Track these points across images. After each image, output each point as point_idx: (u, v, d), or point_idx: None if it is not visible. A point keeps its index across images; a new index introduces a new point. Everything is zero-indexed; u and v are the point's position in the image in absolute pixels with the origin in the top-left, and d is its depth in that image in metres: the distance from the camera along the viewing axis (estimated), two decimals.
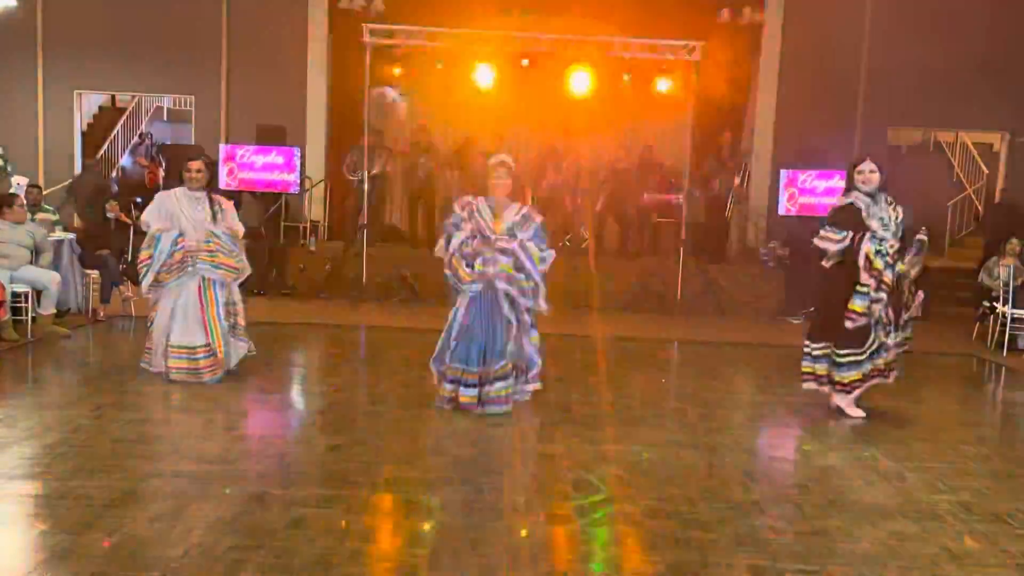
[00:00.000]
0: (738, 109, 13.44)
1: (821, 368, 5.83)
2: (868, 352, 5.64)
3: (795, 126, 12.92)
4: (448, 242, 5.59)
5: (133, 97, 15.51)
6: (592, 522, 3.89)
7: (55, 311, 7.72)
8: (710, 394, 6.63)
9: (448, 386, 5.58)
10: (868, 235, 5.52)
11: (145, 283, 6.05)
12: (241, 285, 6.42)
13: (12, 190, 9.09)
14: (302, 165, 11.63)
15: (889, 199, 5.68)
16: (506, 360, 5.49)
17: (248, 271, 6.32)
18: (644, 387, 6.78)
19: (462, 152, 12.46)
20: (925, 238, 5.72)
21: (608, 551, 3.60)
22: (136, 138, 15.95)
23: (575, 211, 12.42)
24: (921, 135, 16.54)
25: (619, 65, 11.26)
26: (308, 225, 12.26)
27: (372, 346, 8.25)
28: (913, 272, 5.64)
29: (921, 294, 5.77)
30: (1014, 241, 9.29)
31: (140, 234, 8.64)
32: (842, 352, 5.69)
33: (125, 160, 15.90)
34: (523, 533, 3.68)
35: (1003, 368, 8.31)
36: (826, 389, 5.86)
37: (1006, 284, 8.81)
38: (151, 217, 6.12)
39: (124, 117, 15.70)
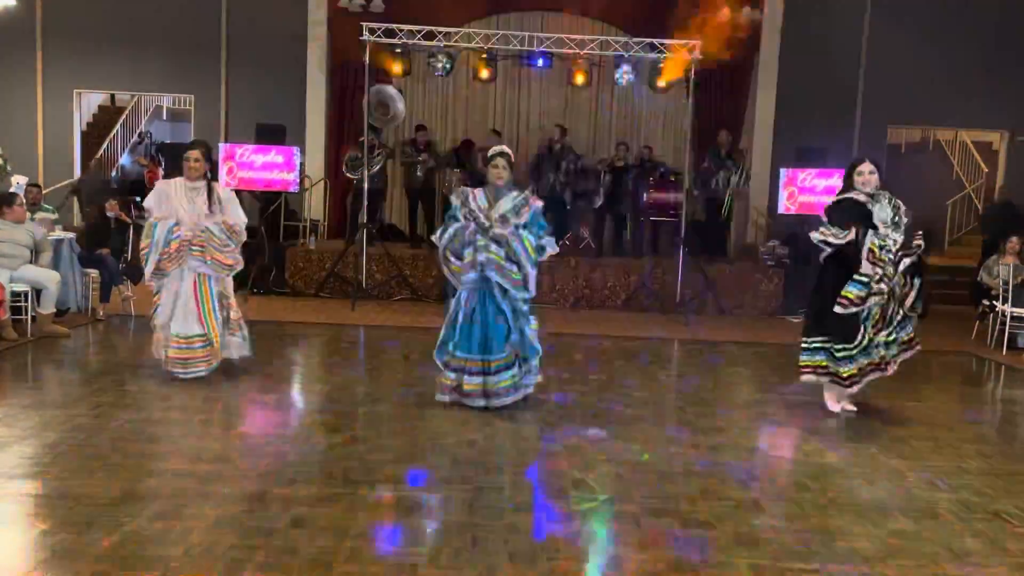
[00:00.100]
0: (738, 108, 13.45)
1: (820, 359, 5.83)
2: (858, 348, 5.66)
3: (794, 125, 12.94)
4: (443, 234, 5.62)
5: (132, 96, 15.52)
6: (592, 521, 3.89)
7: (55, 310, 7.72)
8: (710, 393, 6.64)
9: (452, 375, 5.60)
10: (871, 232, 5.52)
11: (147, 271, 6.10)
12: (240, 284, 6.43)
13: (12, 189, 9.08)
14: (301, 164, 11.63)
15: (891, 197, 5.67)
16: (507, 351, 5.51)
17: (240, 266, 6.32)
18: (644, 386, 6.78)
19: (461, 151, 12.47)
20: (922, 243, 5.72)
21: (608, 550, 3.60)
22: (135, 137, 15.96)
23: (574, 210, 12.43)
24: (920, 134, 16.57)
25: (619, 64, 11.24)
26: (307, 224, 12.26)
27: (371, 345, 8.25)
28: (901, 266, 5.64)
29: (916, 282, 5.74)
30: (1014, 239, 9.30)
31: (140, 233, 8.70)
32: (838, 346, 5.70)
33: (124, 159, 15.91)
34: (523, 532, 3.68)
35: (1003, 367, 8.31)
36: (825, 380, 5.87)
37: (1006, 282, 8.82)
38: (151, 204, 6.18)
39: (123, 116, 15.71)
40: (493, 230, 5.46)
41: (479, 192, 5.64)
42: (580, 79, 12.25)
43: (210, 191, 6.16)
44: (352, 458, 4.57)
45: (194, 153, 6.14)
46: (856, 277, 5.55)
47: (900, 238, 5.54)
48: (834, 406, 5.92)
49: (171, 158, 12.26)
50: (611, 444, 5.03)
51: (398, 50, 11.06)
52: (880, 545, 3.69)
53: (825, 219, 5.71)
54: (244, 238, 6.33)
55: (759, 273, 11.16)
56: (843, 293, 5.57)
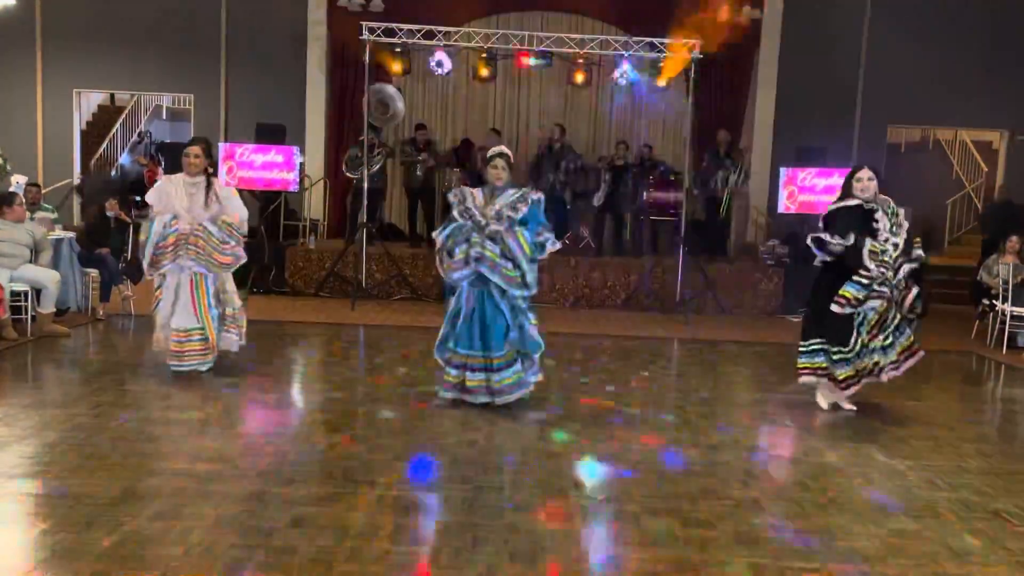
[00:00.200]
0: (737, 107, 13.45)
1: (820, 361, 5.85)
2: (853, 352, 5.68)
3: (794, 124, 12.94)
4: (442, 231, 5.63)
5: (132, 96, 15.51)
6: (592, 520, 3.89)
7: (55, 310, 7.72)
8: (710, 392, 6.64)
9: (454, 371, 5.60)
10: (868, 239, 5.53)
11: (144, 264, 6.19)
12: (240, 283, 6.45)
13: (11, 189, 9.08)
14: (301, 164, 11.63)
15: (890, 205, 5.68)
16: (506, 349, 5.50)
17: (241, 261, 6.32)
18: (644, 385, 6.78)
19: (461, 150, 12.47)
20: (921, 253, 5.73)
21: (609, 550, 3.60)
22: (135, 137, 15.95)
23: (574, 210, 12.43)
24: (920, 133, 16.56)
25: (618, 63, 11.24)
26: (307, 224, 12.25)
27: (371, 344, 8.25)
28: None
29: (915, 290, 5.75)
30: (1014, 239, 9.30)
31: (139, 233, 8.71)
32: (834, 349, 5.73)
33: (124, 159, 15.91)
34: (523, 532, 3.68)
35: (1002, 366, 8.32)
36: (824, 380, 5.89)
37: (1005, 282, 8.82)
38: (152, 199, 6.22)
39: (123, 116, 15.70)
40: (489, 227, 5.46)
41: (477, 192, 5.65)
42: (580, 78, 12.24)
43: (208, 187, 6.16)
44: (352, 458, 4.57)
45: (194, 149, 6.17)
46: (855, 278, 5.55)
47: (899, 242, 5.55)
48: (824, 403, 5.96)
49: (171, 157, 12.27)
50: (611, 443, 5.03)
51: (398, 49, 11.06)
52: (880, 544, 3.69)
53: (822, 225, 5.74)
54: (246, 230, 6.33)
55: (759, 272, 11.16)
56: (841, 292, 5.58)
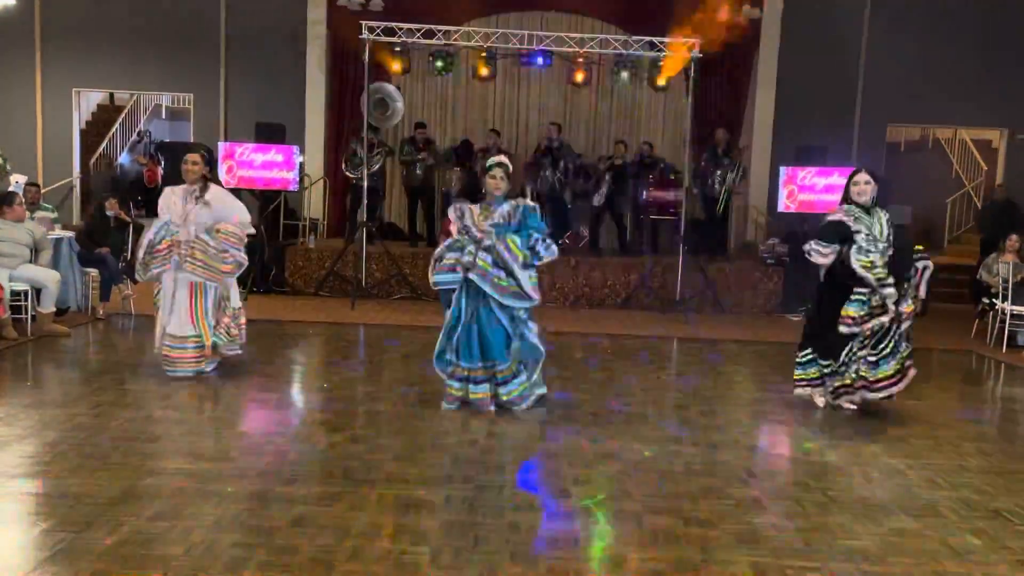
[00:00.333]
0: (737, 106, 13.45)
1: (812, 371, 5.93)
2: (842, 364, 5.73)
3: (794, 123, 12.94)
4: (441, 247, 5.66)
5: (132, 95, 15.50)
6: (593, 519, 3.89)
7: (55, 310, 7.72)
8: (710, 391, 6.64)
9: (457, 384, 5.58)
10: (853, 248, 5.57)
11: (136, 267, 6.26)
12: (240, 283, 6.45)
13: (11, 188, 9.08)
14: (301, 163, 11.63)
15: (884, 214, 5.70)
16: (509, 361, 5.49)
17: (244, 266, 6.32)
18: (644, 384, 6.78)
19: (460, 151, 12.47)
20: (929, 264, 5.73)
21: (609, 548, 3.60)
22: (135, 136, 15.94)
23: (574, 209, 12.43)
24: (920, 132, 16.57)
25: (618, 62, 11.25)
26: (307, 223, 12.25)
27: (371, 344, 8.25)
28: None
29: (929, 265, 5.74)
30: (1013, 237, 9.31)
31: (139, 232, 8.72)
32: (824, 362, 5.83)
33: (123, 158, 15.90)
34: (524, 531, 3.68)
35: (1003, 364, 8.32)
36: (818, 392, 5.97)
37: (1005, 280, 8.82)
38: (159, 207, 6.25)
39: (123, 115, 15.69)
40: (484, 242, 5.44)
41: (475, 207, 5.64)
42: (579, 78, 12.25)
43: (201, 193, 6.13)
44: (353, 457, 4.57)
45: (192, 156, 6.16)
46: (854, 297, 5.59)
47: (885, 257, 5.55)
48: (820, 401, 5.99)
49: (170, 157, 12.27)
50: (611, 443, 5.03)
51: (397, 48, 11.06)
52: (881, 543, 3.70)
53: (818, 235, 5.81)
54: (243, 233, 6.27)
55: (759, 271, 11.16)
56: (843, 312, 5.60)
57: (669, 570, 3.37)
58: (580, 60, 11.76)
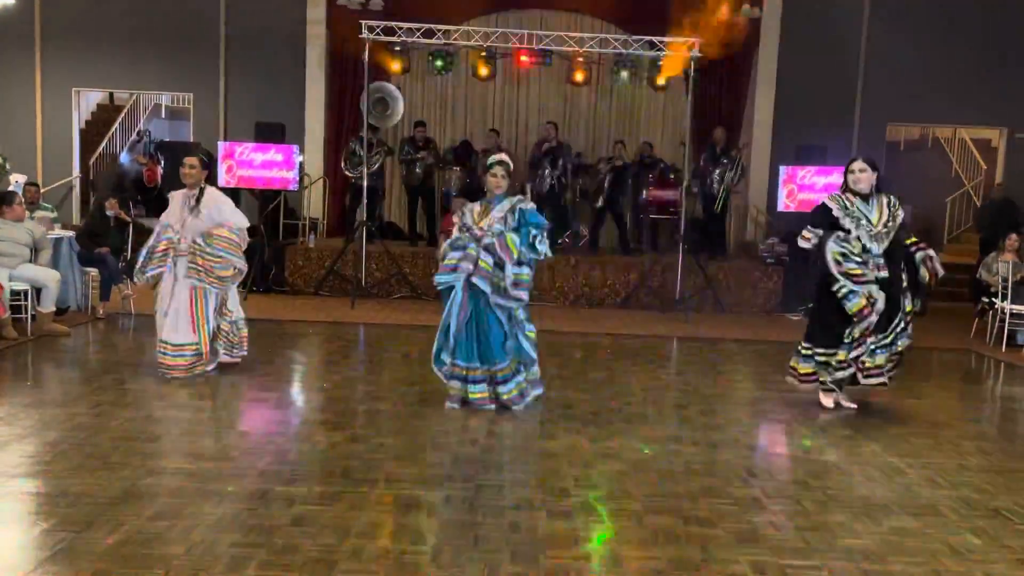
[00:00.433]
0: (737, 105, 13.45)
1: (807, 367, 5.94)
2: (847, 344, 5.69)
3: (794, 122, 12.94)
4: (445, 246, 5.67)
5: (131, 95, 15.49)
6: (593, 518, 3.89)
7: (55, 309, 7.72)
8: (710, 390, 6.64)
9: (456, 383, 5.59)
10: (832, 236, 5.59)
11: (135, 270, 6.28)
12: (242, 285, 6.46)
13: (10, 188, 9.08)
14: (301, 162, 11.62)
15: (889, 199, 5.69)
16: (508, 360, 5.50)
17: (243, 272, 6.32)
18: (644, 383, 6.78)
19: (460, 150, 12.47)
20: (930, 253, 5.72)
21: (609, 547, 3.60)
22: (134, 136, 15.93)
23: (573, 208, 12.43)
24: (920, 131, 16.57)
25: (617, 61, 11.25)
26: (307, 222, 12.25)
27: (371, 343, 8.26)
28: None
29: (931, 254, 5.73)
30: (1013, 236, 9.31)
31: (138, 232, 8.73)
32: (819, 350, 5.83)
33: (123, 158, 15.89)
34: (524, 530, 3.68)
35: (1002, 364, 8.32)
36: (810, 387, 5.97)
37: (1005, 280, 8.82)
38: (164, 214, 6.32)
39: (122, 115, 15.68)
40: (484, 240, 5.46)
41: (476, 205, 5.67)
42: (579, 77, 12.25)
43: (199, 198, 6.15)
44: (353, 456, 4.58)
45: (189, 160, 6.21)
46: (836, 292, 5.59)
47: (875, 244, 5.56)
48: (827, 401, 5.96)
49: (170, 156, 12.27)
50: (611, 442, 5.04)
51: (397, 48, 11.06)
52: (881, 542, 3.70)
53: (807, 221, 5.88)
54: (240, 239, 6.28)
55: (758, 271, 11.16)
56: (849, 312, 5.59)
57: (669, 569, 3.37)
58: (580, 60, 11.76)
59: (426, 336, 5.80)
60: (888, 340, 5.66)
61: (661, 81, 11.80)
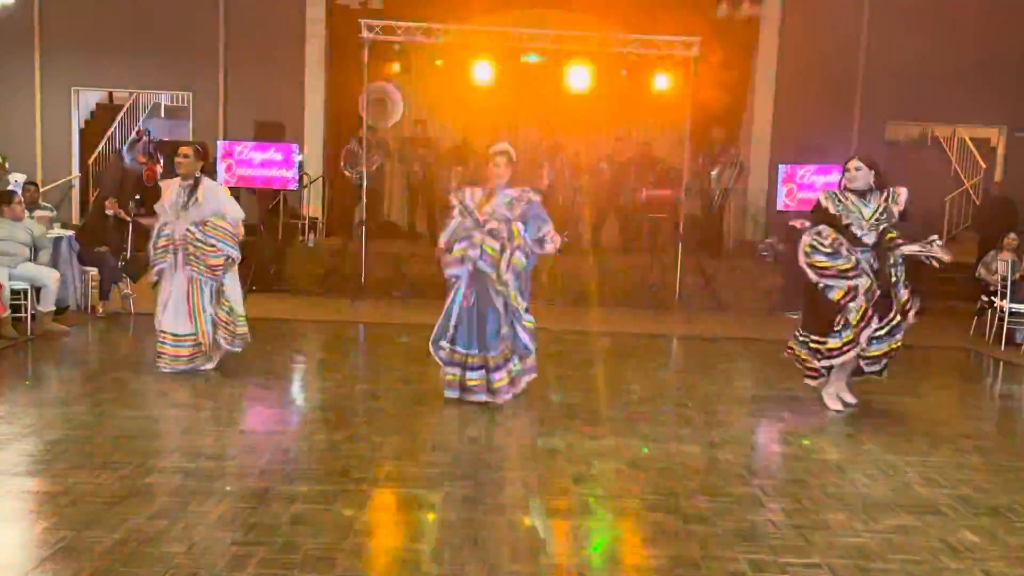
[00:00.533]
0: (736, 104, 13.44)
1: (802, 350, 5.99)
2: (836, 331, 5.72)
3: (793, 121, 12.93)
4: (444, 232, 5.65)
5: (131, 94, 15.48)
6: (592, 516, 3.90)
7: (54, 308, 7.72)
8: (709, 389, 6.65)
9: (454, 370, 5.61)
10: (812, 229, 5.75)
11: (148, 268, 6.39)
12: (242, 284, 6.48)
13: (10, 187, 9.08)
14: (300, 161, 11.62)
15: (886, 194, 5.72)
16: (501, 347, 5.51)
17: (234, 260, 6.28)
18: (643, 382, 6.79)
19: (460, 148, 12.47)
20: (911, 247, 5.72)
21: (609, 545, 3.61)
22: (134, 135, 15.92)
23: (573, 207, 12.42)
24: (919, 130, 16.56)
25: (617, 60, 11.25)
26: (307, 221, 12.24)
27: (371, 342, 8.26)
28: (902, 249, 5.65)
29: (917, 302, 5.82)
30: (1012, 235, 9.32)
31: (138, 231, 8.73)
32: (812, 337, 5.88)
33: (126, 156, 15.85)
34: (524, 529, 3.69)
35: (1001, 362, 8.33)
36: (829, 396, 5.98)
37: (1004, 278, 8.83)
38: (156, 206, 6.34)
39: (121, 114, 15.67)
40: (487, 225, 5.47)
41: (477, 189, 5.65)
42: (579, 75, 12.23)
43: (194, 188, 6.16)
44: (353, 455, 4.58)
45: (183, 149, 6.26)
46: (820, 286, 5.71)
47: (867, 236, 5.60)
48: (834, 404, 5.95)
49: (169, 156, 12.25)
50: (611, 440, 5.04)
51: (396, 47, 11.06)
52: (880, 540, 3.71)
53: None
54: (235, 229, 6.25)
55: (758, 269, 11.16)
56: (832, 300, 5.66)
57: (668, 567, 3.38)
58: (579, 59, 11.74)
59: (427, 335, 5.80)
60: (885, 331, 5.69)
61: (661, 80, 11.79)
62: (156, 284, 6.32)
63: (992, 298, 9.11)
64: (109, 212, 8.92)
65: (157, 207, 6.28)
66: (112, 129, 15.35)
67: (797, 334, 6.04)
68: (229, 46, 13.38)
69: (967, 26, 13.17)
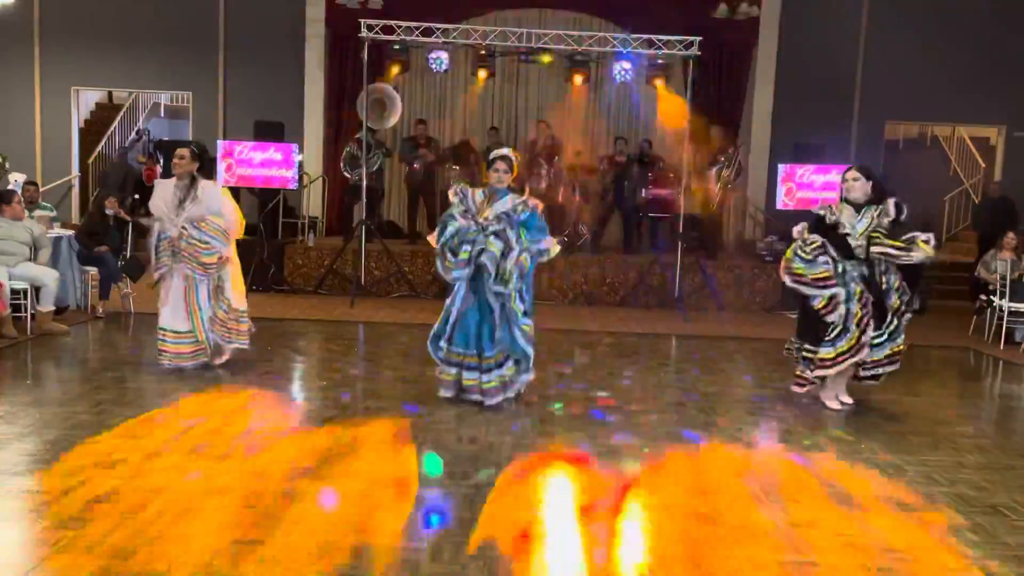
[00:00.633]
0: (736, 103, 13.45)
1: (797, 358, 6.08)
2: (829, 340, 5.75)
3: (792, 120, 12.95)
4: (442, 232, 5.62)
5: (130, 94, 15.49)
6: (592, 516, 3.90)
7: (54, 308, 7.72)
8: (708, 388, 6.65)
9: (451, 370, 5.62)
10: (794, 243, 5.85)
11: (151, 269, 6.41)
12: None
13: (10, 187, 9.08)
14: (300, 161, 11.62)
15: (880, 209, 5.72)
16: (496, 349, 5.52)
17: (226, 259, 6.24)
18: (643, 381, 6.80)
19: (460, 148, 12.47)
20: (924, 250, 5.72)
21: (608, 544, 3.61)
22: (133, 135, 15.92)
23: (572, 206, 12.42)
24: (918, 129, 16.57)
25: (617, 59, 11.25)
26: (306, 221, 12.25)
27: (371, 341, 8.26)
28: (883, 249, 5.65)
29: (914, 301, 5.89)
30: (1010, 234, 9.33)
31: (138, 231, 8.74)
32: (806, 346, 5.94)
33: (129, 156, 15.86)
34: (524, 528, 3.69)
35: (1000, 361, 8.33)
36: (830, 398, 6.00)
37: (1003, 278, 8.84)
38: (151, 204, 6.36)
39: (121, 114, 15.68)
40: (490, 228, 5.47)
41: (478, 191, 5.65)
42: (578, 76, 12.24)
43: (190, 188, 6.18)
44: (352, 454, 4.58)
45: (180, 151, 6.28)
46: (802, 294, 5.80)
47: (860, 246, 5.64)
48: (833, 403, 5.97)
49: (169, 156, 12.24)
50: (610, 439, 5.05)
51: (396, 47, 11.06)
52: (879, 539, 3.71)
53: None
54: (230, 228, 6.26)
55: (757, 269, 11.17)
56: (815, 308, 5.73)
57: (667, 565, 3.38)
58: (579, 58, 11.75)
59: (426, 334, 5.81)
60: (883, 338, 5.70)
61: (660, 79, 11.79)
62: (157, 283, 6.37)
63: (991, 297, 9.12)
64: (109, 211, 8.92)
65: (152, 207, 6.30)
66: (112, 129, 15.37)
67: (791, 342, 6.11)
68: (229, 46, 13.40)
69: (966, 26, 13.19)
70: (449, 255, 5.55)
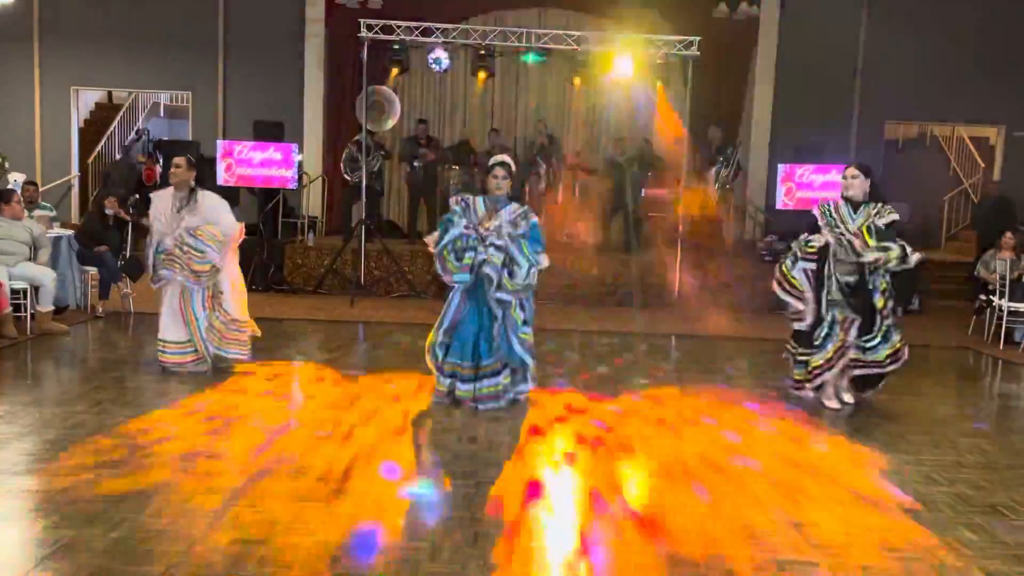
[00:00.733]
0: (735, 103, 13.46)
1: (795, 371, 6.12)
2: (818, 345, 5.84)
3: (792, 120, 12.95)
4: (442, 236, 5.62)
5: (130, 93, 15.49)
6: (592, 516, 3.91)
7: (53, 308, 7.73)
8: (708, 387, 6.65)
9: (446, 380, 5.62)
10: (788, 258, 5.96)
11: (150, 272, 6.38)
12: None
13: (9, 186, 9.08)
14: (300, 161, 11.63)
15: (877, 208, 5.72)
16: (494, 358, 5.52)
17: (218, 268, 6.21)
18: (641, 381, 6.79)
19: (460, 147, 12.48)
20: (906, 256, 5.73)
21: (607, 544, 3.62)
22: (133, 134, 15.92)
23: (572, 206, 12.42)
24: (917, 129, 16.57)
25: (616, 58, 11.24)
26: (306, 221, 12.25)
27: (370, 341, 8.26)
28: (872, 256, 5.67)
29: (914, 304, 5.97)
30: (1009, 234, 9.33)
31: (137, 231, 8.73)
32: (800, 349, 6.01)
33: (131, 155, 15.86)
34: (524, 528, 3.70)
35: (1000, 361, 8.33)
36: (827, 396, 6.01)
37: (1003, 277, 8.84)
38: (151, 216, 6.36)
39: (121, 113, 15.67)
40: (492, 240, 5.47)
41: (479, 201, 5.65)
42: (578, 75, 12.24)
43: (189, 198, 6.20)
44: (353, 455, 4.58)
45: (176, 160, 6.33)
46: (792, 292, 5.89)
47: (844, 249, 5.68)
48: (832, 403, 5.97)
49: (168, 155, 12.25)
50: (609, 439, 5.05)
51: (396, 46, 11.06)
52: (878, 538, 3.71)
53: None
54: (225, 238, 6.24)
55: (757, 268, 11.15)
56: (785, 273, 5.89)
57: (667, 565, 3.39)
58: (578, 58, 11.75)
59: (426, 334, 5.81)
60: (877, 340, 5.72)
61: (659, 79, 11.79)
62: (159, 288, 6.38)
63: (991, 297, 9.12)
64: (109, 211, 8.91)
65: (151, 219, 6.30)
66: (112, 128, 15.37)
67: (788, 346, 6.14)
68: (229, 46, 13.39)
69: (966, 26, 13.20)
70: (452, 258, 5.54)
